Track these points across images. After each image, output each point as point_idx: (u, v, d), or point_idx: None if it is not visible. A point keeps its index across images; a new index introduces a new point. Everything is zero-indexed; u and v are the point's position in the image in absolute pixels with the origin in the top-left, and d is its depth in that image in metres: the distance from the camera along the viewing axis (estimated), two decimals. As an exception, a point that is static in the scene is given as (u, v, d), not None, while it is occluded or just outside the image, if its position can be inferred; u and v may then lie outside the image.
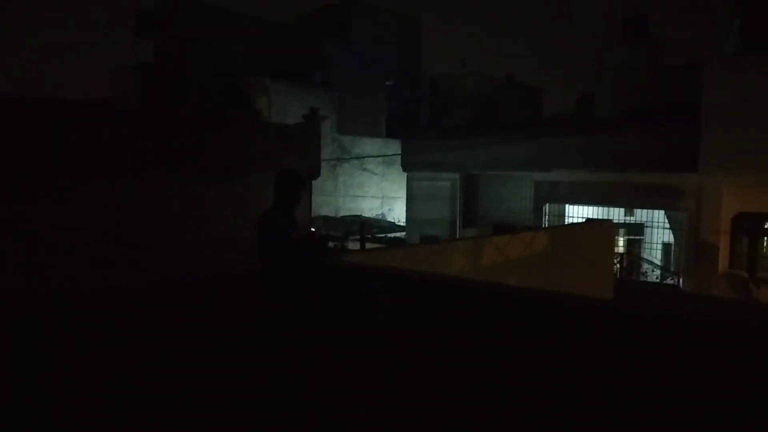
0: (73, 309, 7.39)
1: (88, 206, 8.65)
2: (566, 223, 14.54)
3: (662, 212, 13.99)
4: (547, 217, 15.32)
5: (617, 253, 14.85)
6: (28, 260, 7.92)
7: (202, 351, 6.10)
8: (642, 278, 14.20)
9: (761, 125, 10.98)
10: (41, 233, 8.07)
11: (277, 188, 4.28)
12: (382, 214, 22.73)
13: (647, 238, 15.34)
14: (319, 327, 4.11)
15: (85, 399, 5.02)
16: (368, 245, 13.33)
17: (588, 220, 12.06)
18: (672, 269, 13.83)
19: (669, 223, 13.92)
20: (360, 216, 20.30)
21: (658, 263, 14.54)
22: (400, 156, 18.85)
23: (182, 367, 5.72)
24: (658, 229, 14.59)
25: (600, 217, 14.40)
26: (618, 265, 14.40)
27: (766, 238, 11.57)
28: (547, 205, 15.43)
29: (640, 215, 15.37)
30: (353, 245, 15.18)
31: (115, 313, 7.46)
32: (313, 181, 12.35)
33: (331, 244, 13.52)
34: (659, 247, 14.87)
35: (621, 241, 15.59)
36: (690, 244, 12.37)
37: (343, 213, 20.61)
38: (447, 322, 3.37)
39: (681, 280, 12.57)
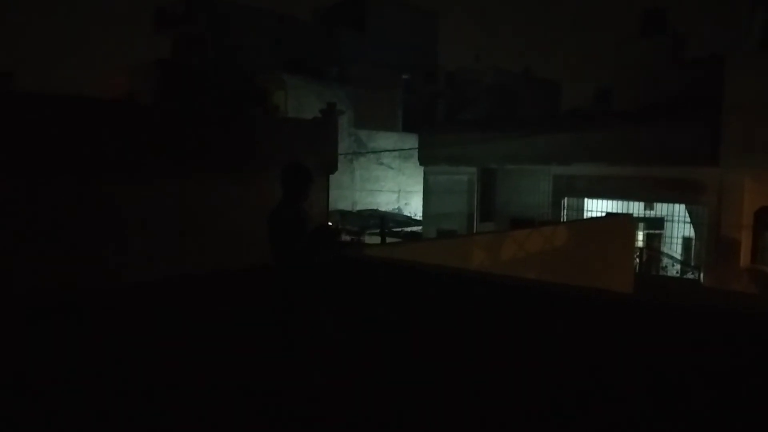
0: (92, 304, 7.52)
1: (107, 201, 8.78)
2: (585, 217, 14.43)
3: (683, 206, 13.82)
4: (565, 211, 15.22)
5: (637, 247, 14.73)
6: (45, 255, 8.06)
7: (216, 347, 6.15)
8: (662, 273, 14.07)
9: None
10: (61, 228, 8.21)
11: (283, 183, 4.25)
12: (399, 208, 22.74)
13: (667, 232, 15.17)
14: (340, 324, 4.15)
15: (97, 395, 5.10)
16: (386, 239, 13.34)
17: (608, 214, 11.97)
18: (692, 264, 13.68)
19: (690, 217, 13.76)
20: (377, 210, 20.36)
21: (679, 258, 14.38)
22: (416, 150, 18.84)
23: (192, 363, 5.75)
24: (679, 224, 14.42)
25: (619, 211, 14.27)
26: (638, 260, 14.27)
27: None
28: (566, 199, 15.33)
29: (660, 209, 15.20)
30: (370, 239, 15.23)
31: (135, 308, 7.58)
32: (330, 176, 12.40)
33: (348, 237, 13.53)
34: (680, 241, 14.70)
35: (641, 236, 15.44)
36: (711, 239, 12.22)
37: (359, 207, 20.66)
38: (476, 318, 3.39)
39: (702, 275, 12.43)
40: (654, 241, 15.47)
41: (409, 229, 18.61)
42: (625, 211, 14.13)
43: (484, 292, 3.35)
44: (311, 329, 4.24)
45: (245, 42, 20.59)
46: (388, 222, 16.24)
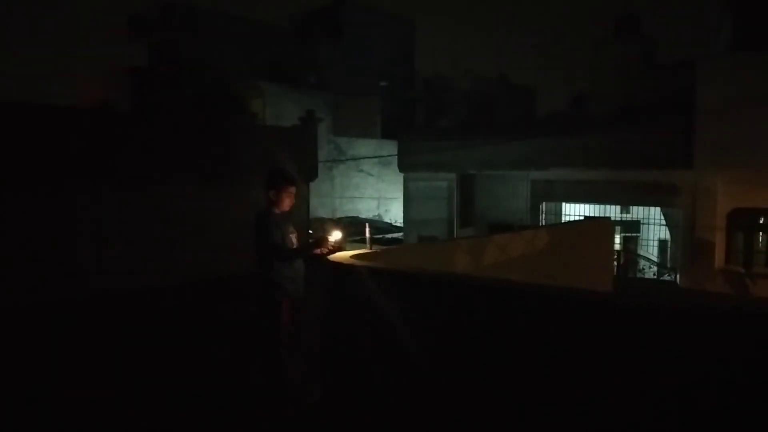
0: (72, 312, 7.37)
1: (85, 210, 8.64)
2: (563, 221, 14.59)
3: (658, 209, 14.06)
4: (543, 215, 15.37)
5: (615, 250, 14.93)
6: (25, 264, 7.91)
7: (203, 352, 6.13)
8: (639, 275, 14.26)
9: (754, 122, 11.06)
10: (37, 237, 8.06)
11: (265, 188, 4.33)
12: (379, 215, 22.70)
13: (643, 235, 15.41)
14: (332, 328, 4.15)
15: (90, 401, 5.01)
16: (366, 246, 13.29)
17: (586, 217, 12.11)
18: (669, 266, 13.90)
19: (665, 220, 14.00)
20: (357, 217, 20.32)
21: (655, 260, 14.61)
22: (396, 157, 18.87)
23: (183, 368, 5.74)
24: (655, 226, 14.66)
25: (596, 214, 14.46)
26: (615, 263, 14.46)
27: (761, 233, 11.64)
28: (544, 203, 15.48)
29: (636, 212, 15.45)
30: (351, 246, 15.18)
31: (116, 317, 7.45)
32: (310, 183, 12.36)
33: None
34: (656, 243, 14.94)
35: (618, 239, 15.65)
36: (686, 241, 12.44)
37: (339, 214, 20.59)
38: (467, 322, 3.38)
39: (678, 277, 12.63)
40: (631, 244, 15.71)
41: (390, 235, 18.60)
42: (602, 215, 14.33)
43: (474, 295, 3.36)
44: (293, 331, 4.30)
45: (221, 49, 20.45)
46: (372, 229, 16.18)
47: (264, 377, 4.39)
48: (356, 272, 3.66)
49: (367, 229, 7.47)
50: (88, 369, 5.76)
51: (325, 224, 10.07)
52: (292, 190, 4.32)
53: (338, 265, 3.91)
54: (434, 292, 3.36)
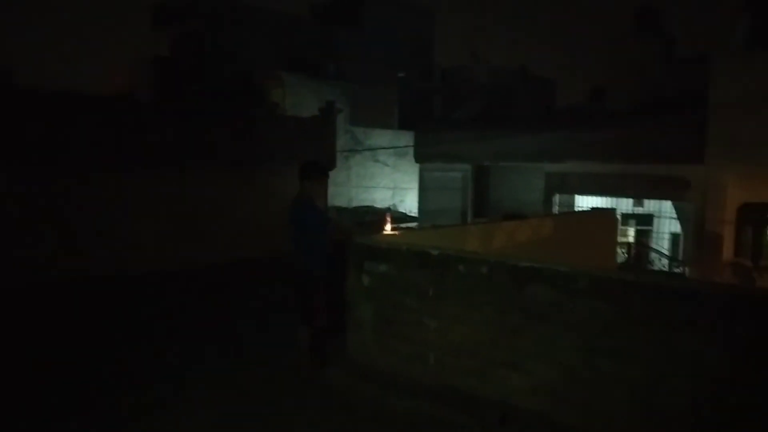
0: (94, 294, 7.87)
1: (110, 196, 9.08)
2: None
3: (670, 203, 14.23)
4: (557, 207, 15.60)
5: (627, 242, 15.15)
6: (48, 246, 8.39)
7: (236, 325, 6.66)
8: (649, 267, 14.47)
9: (766, 119, 11.21)
10: (62, 221, 8.53)
11: (302, 178, 4.76)
12: (394, 204, 23.03)
13: (655, 228, 15.59)
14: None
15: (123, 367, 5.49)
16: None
17: (593, 208, 12.35)
18: (679, 258, 14.09)
19: (676, 213, 14.17)
20: (372, 207, 20.66)
21: (666, 253, 14.80)
22: (412, 147, 19.15)
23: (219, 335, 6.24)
24: (666, 220, 14.84)
25: (609, 207, 14.67)
26: (627, 254, 14.69)
27: (769, 230, 11.82)
28: (558, 195, 15.71)
29: (649, 206, 15.61)
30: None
31: (150, 295, 7.94)
32: (329, 173, 12.72)
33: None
34: (667, 237, 15.12)
35: (631, 231, 15.86)
36: (696, 234, 12.63)
37: (355, 204, 20.96)
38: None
39: (687, 269, 12.84)
40: (643, 237, 15.90)
41: (404, 225, 18.93)
42: (614, 207, 14.56)
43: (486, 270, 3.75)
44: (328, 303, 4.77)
45: (243, 39, 20.84)
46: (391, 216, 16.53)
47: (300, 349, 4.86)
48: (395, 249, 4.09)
49: (388, 218, 7.91)
50: (135, 337, 6.27)
51: (383, 213, 10.64)
52: (326, 181, 4.79)
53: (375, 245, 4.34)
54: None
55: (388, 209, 16.52)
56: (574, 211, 12.90)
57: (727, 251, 11.86)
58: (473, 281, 3.84)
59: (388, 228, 5.15)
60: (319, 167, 4.83)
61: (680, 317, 2.97)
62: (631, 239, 15.54)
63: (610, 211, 9.27)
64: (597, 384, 3.25)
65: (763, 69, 11.30)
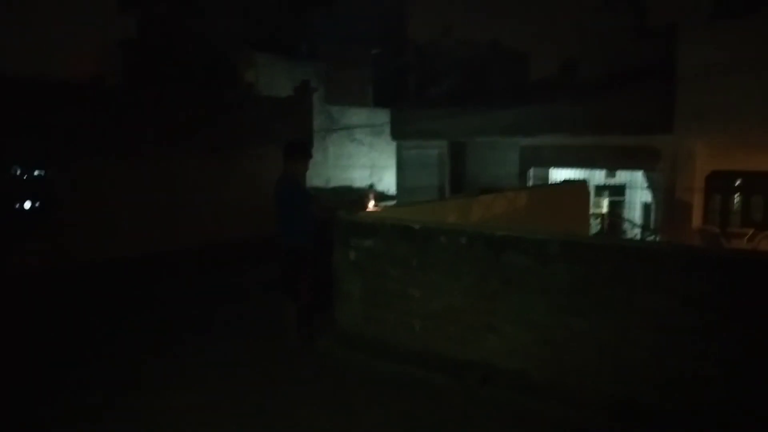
0: (78, 279, 7.93)
1: (89, 182, 9.07)
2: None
3: (641, 173, 14.61)
4: (531, 181, 15.89)
5: (600, 213, 15.54)
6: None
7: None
8: (623, 237, 14.88)
9: (733, 88, 11.53)
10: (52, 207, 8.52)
11: (284, 158, 4.89)
12: (372, 183, 23.17)
13: (628, 198, 15.99)
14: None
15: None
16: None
17: (565, 180, 12.65)
18: (651, 227, 14.52)
19: (648, 183, 14.56)
20: (350, 187, 20.77)
21: (638, 222, 15.22)
22: (388, 125, 19.24)
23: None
24: (638, 190, 15.23)
25: (583, 178, 15.01)
26: (601, 225, 15.08)
27: (736, 195, 12.25)
28: (532, 169, 15.99)
29: (622, 177, 15.98)
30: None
31: (133, 281, 8.01)
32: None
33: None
34: (639, 206, 15.54)
35: (605, 202, 16.24)
36: (666, 203, 13.03)
37: (333, 184, 21.04)
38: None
39: (657, 237, 13.26)
40: (616, 207, 16.30)
41: (383, 203, 19.09)
42: (588, 179, 14.91)
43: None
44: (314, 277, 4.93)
45: (212, 19, 20.53)
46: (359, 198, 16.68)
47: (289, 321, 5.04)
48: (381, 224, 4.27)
49: (371, 195, 8.13)
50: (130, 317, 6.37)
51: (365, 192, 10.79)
52: (309, 160, 4.93)
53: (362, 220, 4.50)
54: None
55: (370, 186, 16.66)
56: (548, 184, 13.21)
57: (697, 219, 12.28)
58: (453, 251, 4.04)
59: (370, 205, 5.32)
60: (302, 147, 4.98)
61: (642, 276, 3.19)
62: (604, 210, 15.93)
63: (581, 183, 9.56)
64: (569, 342, 3.48)
65: (727, 39, 11.60)
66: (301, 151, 4.96)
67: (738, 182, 12.22)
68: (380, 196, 20.09)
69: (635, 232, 14.92)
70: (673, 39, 12.85)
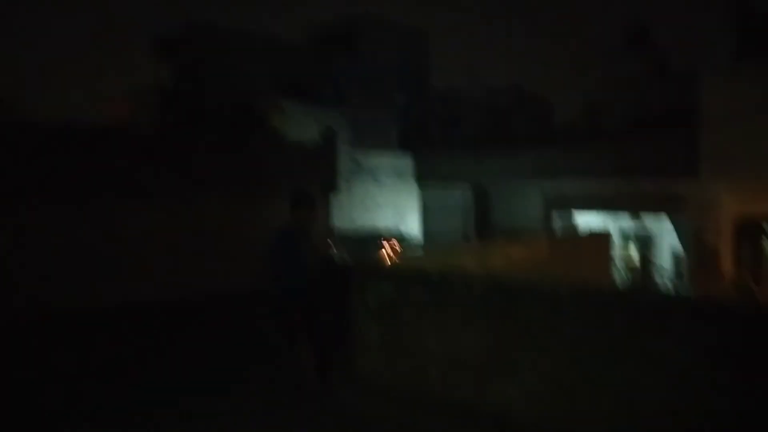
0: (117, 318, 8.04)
1: (122, 223, 9.31)
2: (574, 229, 15.03)
3: (669, 219, 14.41)
4: (556, 224, 15.79)
5: (629, 260, 15.34)
6: (62, 274, 8.59)
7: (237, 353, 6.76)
8: (653, 284, 14.58)
9: (758, 131, 11.44)
10: (73, 247, 8.75)
11: (290, 207, 4.97)
12: (395, 225, 23.23)
13: (657, 245, 15.71)
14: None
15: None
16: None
17: (591, 232, 12.55)
18: (679, 273, 14.22)
19: (675, 229, 14.33)
20: (374, 229, 20.86)
21: (668, 269, 14.92)
22: (412, 168, 19.46)
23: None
24: (667, 236, 14.98)
25: (607, 222, 14.86)
26: (630, 273, 14.88)
27: (765, 239, 11.97)
28: (557, 212, 15.91)
29: (649, 223, 15.75)
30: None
31: (150, 327, 8.09)
32: (331, 196, 12.97)
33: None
34: (668, 253, 15.26)
35: (633, 249, 16.00)
36: (694, 250, 12.78)
37: (357, 225, 21.14)
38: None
39: (688, 285, 12.96)
40: (646, 253, 16.01)
41: (406, 245, 19.10)
42: (613, 222, 14.75)
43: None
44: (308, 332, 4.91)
45: (242, 67, 21.25)
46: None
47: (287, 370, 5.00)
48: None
49: (391, 241, 8.16)
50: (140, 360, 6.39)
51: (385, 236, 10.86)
52: (312, 211, 4.95)
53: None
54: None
55: (392, 232, 16.73)
56: (570, 234, 13.16)
57: (726, 264, 12.01)
58: (470, 300, 4.04)
59: (390, 250, 5.34)
60: (306, 197, 5.01)
61: (654, 327, 3.17)
62: (634, 257, 15.70)
63: (605, 234, 9.52)
64: (584, 391, 3.43)
65: (749, 82, 11.57)
66: (305, 201, 5.00)
67: (766, 226, 11.97)
68: (402, 239, 20.15)
69: (665, 281, 14.62)
70: (696, 83, 12.86)
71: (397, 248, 12.53)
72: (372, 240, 13.08)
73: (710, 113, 12.10)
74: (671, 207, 13.32)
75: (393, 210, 22.32)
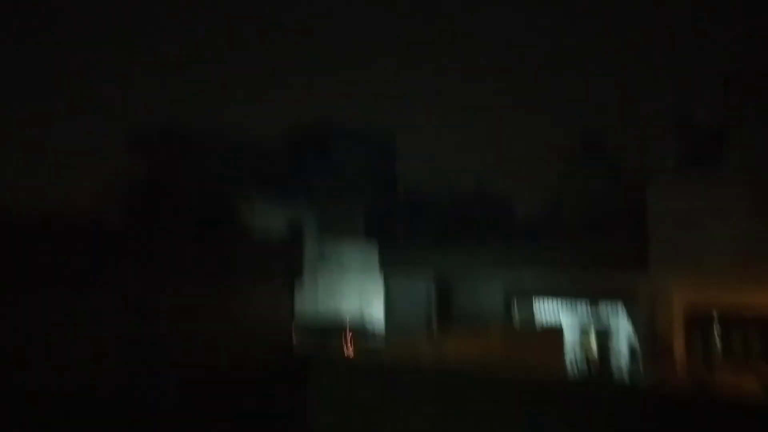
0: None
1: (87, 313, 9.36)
2: (532, 319, 15.60)
3: (624, 307, 15.06)
4: (516, 313, 16.32)
5: (587, 349, 15.77)
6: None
7: None
8: (610, 374, 14.91)
9: (703, 230, 12.42)
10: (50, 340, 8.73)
11: None
12: (360, 314, 23.29)
13: (614, 334, 16.20)
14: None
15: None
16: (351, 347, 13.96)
17: (543, 327, 13.12)
18: (634, 362, 14.66)
19: (629, 317, 14.93)
20: (338, 318, 20.93)
21: (624, 356, 15.33)
22: (377, 258, 20.02)
23: None
24: (622, 324, 15.54)
25: (566, 310, 15.52)
26: (588, 367, 15.30)
27: (715, 329, 12.59)
28: (516, 301, 16.48)
29: (605, 309, 16.35)
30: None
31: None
32: (296, 287, 13.23)
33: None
34: (621, 340, 15.75)
35: (592, 337, 16.45)
36: (648, 338, 13.33)
37: (322, 314, 21.17)
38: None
39: (643, 372, 13.36)
40: (602, 343, 16.45)
41: (368, 335, 19.18)
42: (572, 312, 15.44)
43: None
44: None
45: (216, 164, 21.96)
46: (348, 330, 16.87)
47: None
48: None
49: (349, 334, 8.39)
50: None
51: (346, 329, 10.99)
52: None
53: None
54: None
55: (352, 323, 16.87)
56: (525, 329, 13.90)
57: (678, 352, 12.52)
58: (422, 390, 4.35)
59: (350, 343, 5.64)
60: None
61: (584, 413, 3.54)
62: (593, 347, 16.14)
63: (557, 330, 10.08)
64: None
65: (695, 186, 12.74)
66: None
67: (715, 316, 12.60)
68: (366, 330, 20.20)
69: (621, 367, 14.98)
70: (645, 186, 13.96)
71: (356, 339, 12.73)
72: (334, 330, 13.25)
73: (658, 213, 13.14)
74: (625, 297, 13.99)
75: (357, 298, 22.52)
